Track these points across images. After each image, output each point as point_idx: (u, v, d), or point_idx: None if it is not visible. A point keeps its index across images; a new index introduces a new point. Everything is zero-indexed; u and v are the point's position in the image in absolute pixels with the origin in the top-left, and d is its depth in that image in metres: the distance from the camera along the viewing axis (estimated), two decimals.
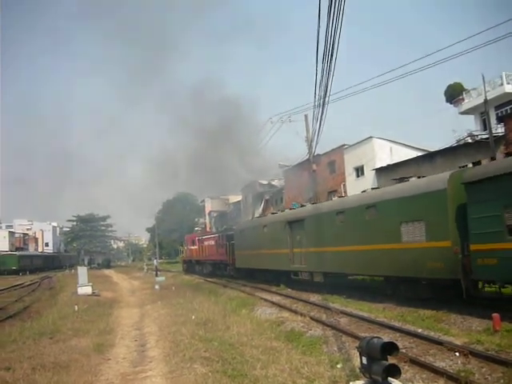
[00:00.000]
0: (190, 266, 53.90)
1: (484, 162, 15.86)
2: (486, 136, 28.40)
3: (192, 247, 52.47)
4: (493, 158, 15.80)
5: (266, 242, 30.49)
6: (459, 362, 10.06)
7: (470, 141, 31.36)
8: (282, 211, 28.22)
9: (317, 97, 16.47)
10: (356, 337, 12.61)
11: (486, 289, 15.28)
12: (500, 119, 32.91)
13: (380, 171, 36.93)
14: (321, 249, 23.44)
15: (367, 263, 19.74)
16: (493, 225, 13.80)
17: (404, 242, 17.49)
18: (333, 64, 12.62)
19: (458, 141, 33.46)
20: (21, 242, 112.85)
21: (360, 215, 20.31)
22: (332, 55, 11.99)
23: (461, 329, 13.09)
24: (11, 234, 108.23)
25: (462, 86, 41.94)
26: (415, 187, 17.86)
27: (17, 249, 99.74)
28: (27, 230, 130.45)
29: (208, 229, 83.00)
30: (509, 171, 13.28)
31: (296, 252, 26.45)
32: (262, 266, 31.74)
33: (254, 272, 33.80)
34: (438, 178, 16.87)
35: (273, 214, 33.09)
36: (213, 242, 45.02)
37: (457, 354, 10.51)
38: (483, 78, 31.87)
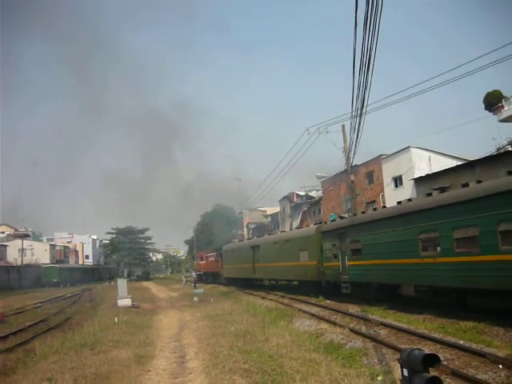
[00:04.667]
0: (200, 276, 64.74)
1: (328, 222, 31.20)
2: None
3: (201, 262, 67.22)
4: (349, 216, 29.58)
5: (239, 259, 45.90)
6: (503, 374, 9.84)
7: (510, 149, 30.83)
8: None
9: (354, 107, 16.39)
10: (396, 349, 12.46)
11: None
12: None
13: (419, 181, 36.55)
14: (268, 264, 38.19)
15: (287, 273, 34.61)
16: (329, 253, 27.41)
17: (300, 261, 31.25)
18: (369, 76, 12.56)
19: (497, 149, 32.93)
20: (61, 254, 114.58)
21: (284, 245, 34.93)
22: (369, 67, 11.94)
23: (504, 340, 12.81)
24: (52, 246, 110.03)
25: (501, 94, 41.22)
26: (304, 232, 33.29)
27: (57, 261, 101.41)
28: (68, 242, 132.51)
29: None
30: (332, 228, 27.42)
31: (256, 266, 41.22)
32: (238, 276, 47.25)
33: (235, 279, 48.23)
34: (312, 228, 31.86)
35: (249, 239, 53.03)
36: (213, 258, 59.90)
37: (500, 366, 10.30)
38: None
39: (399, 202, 22.22)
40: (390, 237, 20.88)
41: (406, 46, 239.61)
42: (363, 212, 26.77)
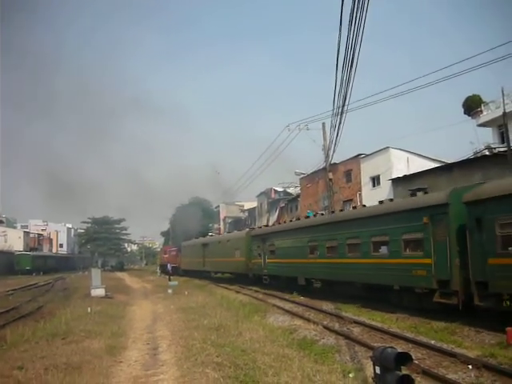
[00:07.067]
0: (163, 269, 68.52)
1: (257, 228, 41.34)
2: (504, 149, 28.23)
3: (165, 255, 73.30)
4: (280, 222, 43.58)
5: (193, 254, 56.14)
6: (472, 374, 10.00)
7: (487, 153, 31.17)
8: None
9: (335, 105, 16.43)
10: (369, 347, 12.56)
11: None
12: None
13: (396, 181, 36.85)
14: (213, 259, 47.27)
15: (226, 266, 44.05)
16: (255, 252, 35.53)
17: (236, 257, 39.65)
18: (352, 73, 12.57)
19: (475, 153, 33.26)
20: (35, 242, 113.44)
21: (225, 244, 43.79)
22: (352, 64, 11.94)
23: (474, 342, 13.03)
24: (26, 234, 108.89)
25: (480, 98, 41.64)
26: (238, 234, 43.14)
27: (31, 249, 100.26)
28: (42, 230, 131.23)
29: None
30: (258, 233, 36.42)
31: (205, 260, 49.95)
32: (191, 268, 57.15)
33: (189, 271, 57.77)
34: (243, 232, 41.58)
35: (203, 237, 59.98)
36: (174, 253, 68.77)
37: (470, 366, 10.46)
38: (502, 91, 31.67)
39: (298, 218, 33.95)
40: (292, 243, 29.40)
41: (401, 39, 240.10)
42: (279, 223, 38.71)
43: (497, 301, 14.52)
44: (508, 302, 14.52)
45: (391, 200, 22.04)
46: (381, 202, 21.86)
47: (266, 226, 39.97)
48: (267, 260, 33.22)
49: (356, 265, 21.54)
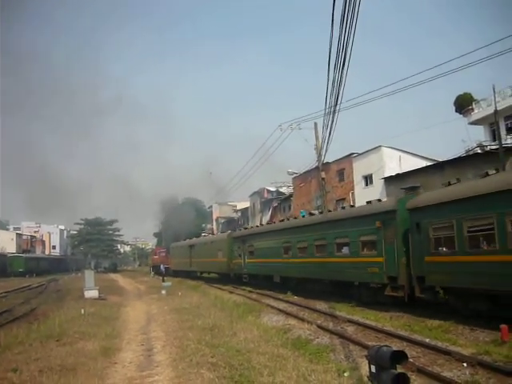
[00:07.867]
0: (155, 269, 70.91)
1: (237, 231, 44.61)
2: (496, 146, 28.32)
3: (155, 257, 75.79)
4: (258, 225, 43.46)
5: (181, 255, 58.73)
6: (467, 372, 10.04)
7: (479, 151, 31.26)
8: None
9: (327, 105, 16.41)
10: (363, 345, 12.57)
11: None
12: (510, 130, 32.77)
13: (389, 180, 36.94)
14: (199, 260, 50.12)
15: (210, 266, 46.95)
16: (236, 253, 38.34)
17: (218, 258, 42.39)
18: (344, 72, 12.56)
19: (467, 151, 33.35)
20: (28, 244, 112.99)
21: (210, 245, 46.35)
22: (344, 63, 11.93)
23: (468, 339, 13.07)
24: (19, 236, 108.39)
25: (471, 97, 41.78)
26: (221, 236, 45.87)
27: (24, 251, 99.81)
28: (35, 232, 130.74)
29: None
30: (238, 235, 39.46)
31: (192, 261, 52.66)
32: (179, 268, 59.50)
33: (178, 271, 59.59)
34: (225, 234, 44.68)
35: (189, 239, 60.35)
36: (164, 254, 71.36)
37: (465, 364, 10.49)
38: (493, 89, 31.74)
39: (274, 222, 38.93)
40: (268, 244, 31.80)
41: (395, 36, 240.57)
42: (257, 226, 40.80)
43: (433, 293, 17.49)
44: (443, 294, 17.58)
45: (352, 206, 25.45)
46: (343, 208, 25.51)
47: (246, 228, 43.43)
48: (247, 260, 35.88)
49: (323, 263, 24.04)
